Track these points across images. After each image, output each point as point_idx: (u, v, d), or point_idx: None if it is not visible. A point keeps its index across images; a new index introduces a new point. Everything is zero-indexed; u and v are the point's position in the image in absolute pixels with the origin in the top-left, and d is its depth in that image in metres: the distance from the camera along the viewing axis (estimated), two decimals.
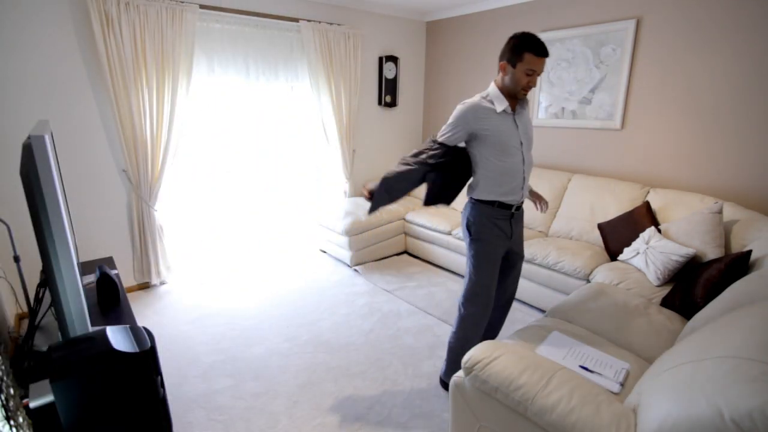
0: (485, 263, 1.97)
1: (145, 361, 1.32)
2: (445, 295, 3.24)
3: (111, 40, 2.74)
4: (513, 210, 1.96)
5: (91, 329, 1.37)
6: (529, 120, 1.99)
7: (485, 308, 2.02)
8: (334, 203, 4.07)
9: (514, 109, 1.88)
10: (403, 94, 4.66)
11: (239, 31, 3.40)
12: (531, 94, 3.72)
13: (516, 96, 1.85)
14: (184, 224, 3.59)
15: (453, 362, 2.10)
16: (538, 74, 1.77)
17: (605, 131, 3.35)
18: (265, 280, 3.52)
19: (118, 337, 1.34)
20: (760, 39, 2.52)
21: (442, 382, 2.20)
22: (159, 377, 1.43)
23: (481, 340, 2.12)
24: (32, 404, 1.19)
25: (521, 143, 1.90)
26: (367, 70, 4.31)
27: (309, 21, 3.65)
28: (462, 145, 1.96)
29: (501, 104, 1.83)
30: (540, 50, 1.72)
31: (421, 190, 2.01)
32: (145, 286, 3.35)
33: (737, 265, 2.01)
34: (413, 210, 4.08)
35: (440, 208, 4.12)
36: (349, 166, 4.26)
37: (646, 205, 2.79)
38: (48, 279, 1.26)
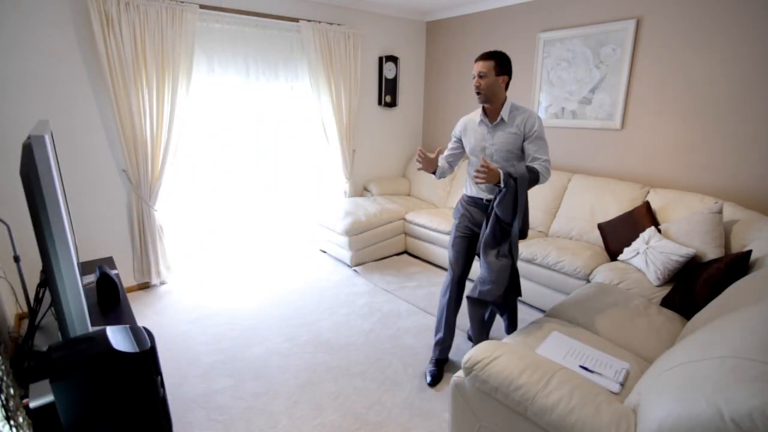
0: (452, 240, 2.27)
1: (145, 361, 1.32)
2: None
3: (111, 40, 2.74)
4: (484, 201, 2.16)
5: (91, 329, 1.37)
6: (516, 134, 2.02)
7: (451, 280, 2.27)
8: (334, 203, 4.07)
9: (493, 120, 2.07)
10: (403, 94, 4.66)
11: (239, 31, 3.40)
12: (531, 94, 3.72)
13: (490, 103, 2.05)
14: (184, 224, 3.59)
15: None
16: (475, 76, 1.99)
17: (605, 131, 3.35)
18: (265, 280, 3.52)
19: (118, 337, 1.34)
20: (760, 39, 2.52)
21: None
22: (159, 377, 1.43)
23: (479, 329, 2.28)
24: (32, 404, 1.19)
25: (483, 150, 2.11)
26: (367, 70, 4.31)
27: (309, 21, 3.65)
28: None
29: (478, 116, 2.13)
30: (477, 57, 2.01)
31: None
32: (145, 286, 3.35)
33: (737, 265, 2.01)
34: (413, 210, 4.08)
35: (440, 208, 4.13)
36: (349, 166, 4.26)
37: (646, 205, 2.79)
38: (48, 279, 1.26)
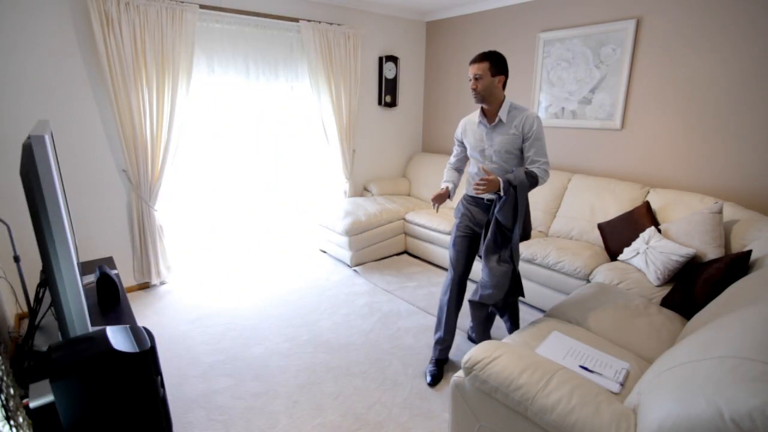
0: (453, 240, 2.26)
1: (145, 361, 1.32)
2: None
3: (111, 40, 2.74)
4: (485, 201, 2.16)
5: (91, 329, 1.37)
6: (515, 134, 2.02)
7: (452, 280, 2.26)
8: (334, 203, 4.07)
9: (491, 122, 2.06)
10: (403, 94, 4.66)
11: (239, 31, 3.40)
12: (531, 94, 3.72)
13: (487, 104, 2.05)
14: (184, 224, 3.59)
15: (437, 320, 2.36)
16: (472, 78, 1.99)
17: (605, 131, 3.35)
18: (265, 280, 3.52)
19: (118, 337, 1.33)
20: (760, 39, 2.52)
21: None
22: (159, 377, 1.43)
23: (483, 330, 2.32)
24: (32, 404, 1.19)
25: (483, 152, 2.12)
26: (367, 70, 4.31)
27: (309, 21, 3.65)
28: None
29: (477, 116, 2.13)
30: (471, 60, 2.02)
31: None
32: (145, 286, 3.35)
33: (737, 265, 2.01)
34: (413, 210, 4.08)
35: (440, 209, 4.13)
36: (349, 166, 4.26)
37: (646, 205, 2.79)
38: (48, 279, 1.26)
